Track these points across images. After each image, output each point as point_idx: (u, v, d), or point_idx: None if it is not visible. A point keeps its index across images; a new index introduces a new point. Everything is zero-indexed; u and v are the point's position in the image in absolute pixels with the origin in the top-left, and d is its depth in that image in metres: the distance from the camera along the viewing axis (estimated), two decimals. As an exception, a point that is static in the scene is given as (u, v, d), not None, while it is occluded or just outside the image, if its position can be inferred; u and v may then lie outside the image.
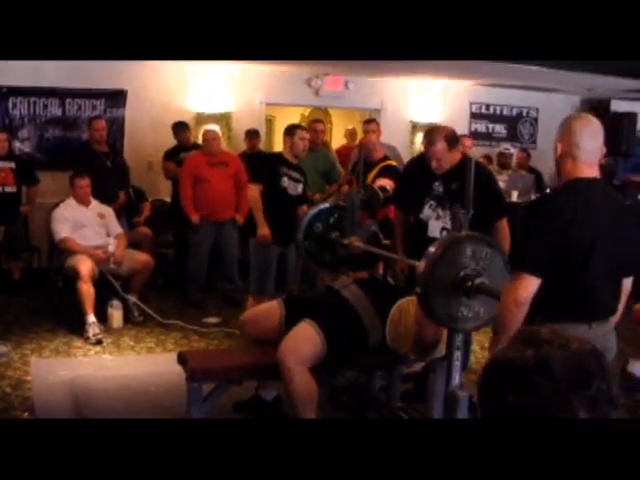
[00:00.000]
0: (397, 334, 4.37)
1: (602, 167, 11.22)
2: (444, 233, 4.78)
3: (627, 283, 3.39)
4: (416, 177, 5.21)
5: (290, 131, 6.46)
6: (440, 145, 4.87)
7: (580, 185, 3.14)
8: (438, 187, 4.98)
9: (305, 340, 4.27)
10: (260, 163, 7.04)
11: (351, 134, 11.46)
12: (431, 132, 5.04)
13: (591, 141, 3.14)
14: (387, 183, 5.68)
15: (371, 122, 7.67)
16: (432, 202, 5.01)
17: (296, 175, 6.45)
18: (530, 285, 3.06)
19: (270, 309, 4.74)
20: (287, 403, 4.42)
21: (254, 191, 6.41)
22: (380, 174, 6.22)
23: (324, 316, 4.38)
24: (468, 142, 8.75)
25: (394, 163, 6.62)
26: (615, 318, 3.43)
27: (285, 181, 6.37)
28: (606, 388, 1.32)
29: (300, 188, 6.47)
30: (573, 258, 3.08)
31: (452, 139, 4.93)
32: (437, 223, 4.98)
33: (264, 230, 6.32)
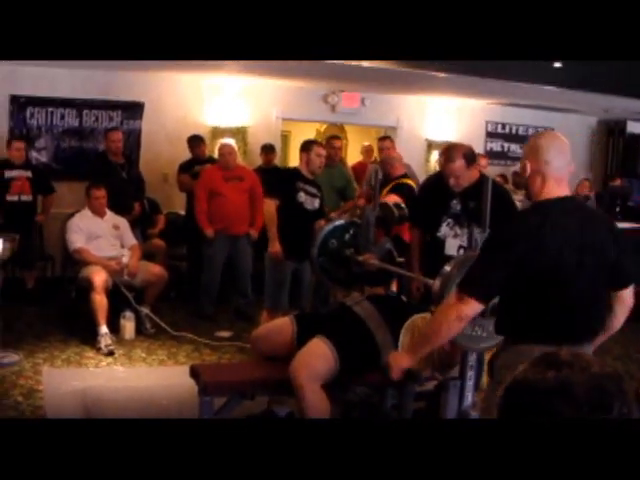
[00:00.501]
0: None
1: (616, 189, 11.21)
2: (461, 251, 4.76)
3: (626, 295, 3.29)
4: (433, 195, 5.21)
5: (306, 147, 6.46)
6: (459, 162, 4.86)
7: (546, 207, 3.09)
8: (456, 205, 4.97)
9: (317, 357, 4.25)
10: (276, 178, 7.05)
11: (367, 151, 11.47)
12: (449, 149, 5.03)
13: (559, 157, 3.10)
14: (396, 201, 5.67)
15: (385, 139, 7.71)
16: (450, 220, 5.00)
17: (313, 190, 6.44)
18: (475, 307, 3.06)
19: (282, 325, 4.73)
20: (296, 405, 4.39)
21: (270, 206, 6.41)
22: (392, 190, 6.22)
23: (336, 332, 4.37)
24: (483, 161, 8.75)
25: (410, 182, 6.62)
26: (606, 336, 3.33)
27: (302, 196, 6.36)
28: (627, 412, 1.31)
29: (317, 203, 6.46)
30: (539, 281, 3.02)
31: (470, 157, 4.93)
32: (454, 241, 4.96)
33: (276, 247, 6.32)
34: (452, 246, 4.96)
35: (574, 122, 11.81)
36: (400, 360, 3.54)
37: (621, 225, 9.45)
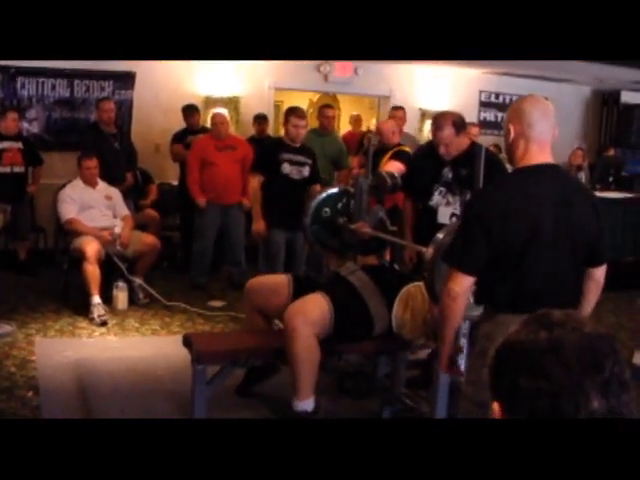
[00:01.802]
0: (403, 320, 4.36)
1: (610, 159, 11.23)
2: (454, 219, 4.77)
3: (598, 275, 3.23)
4: (425, 164, 5.21)
5: (285, 117, 6.49)
6: (448, 130, 4.86)
7: (520, 175, 3.07)
8: (447, 173, 4.97)
9: (314, 303, 4.27)
10: (260, 152, 7.00)
11: (356, 120, 11.43)
12: (438, 117, 5.02)
13: (542, 119, 3.05)
14: (398, 167, 5.66)
15: (399, 109, 7.75)
16: (442, 188, 5.00)
17: (300, 158, 6.43)
18: (462, 281, 3.03)
19: (279, 283, 4.71)
20: (289, 367, 4.34)
21: (253, 182, 6.46)
22: (393, 157, 6.22)
23: (333, 295, 4.37)
24: (474, 130, 8.71)
25: (408, 149, 6.62)
26: (584, 313, 3.18)
27: (286, 167, 6.36)
28: (619, 371, 1.31)
29: (306, 171, 6.45)
30: (511, 249, 2.99)
31: (459, 124, 4.91)
32: (447, 209, 4.96)
33: (259, 225, 6.40)
34: (444, 214, 4.96)
35: (568, 92, 11.77)
36: (439, 357, 3.36)
37: (615, 195, 9.49)
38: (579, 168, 10.53)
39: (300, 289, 4.56)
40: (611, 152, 11.78)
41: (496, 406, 1.38)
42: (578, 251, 3.09)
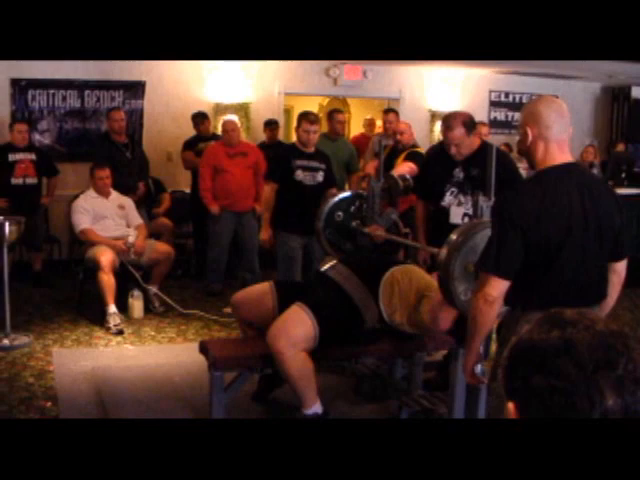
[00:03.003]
0: (392, 306, 4.34)
1: (621, 154, 11.09)
2: (466, 219, 4.76)
3: (620, 268, 3.27)
4: (436, 165, 5.20)
5: (297, 122, 6.49)
6: (458, 130, 4.85)
7: (550, 175, 3.06)
8: (458, 173, 4.96)
9: (294, 322, 4.23)
10: (274, 160, 6.99)
11: (370, 124, 11.42)
12: (449, 118, 5.01)
13: (558, 119, 3.06)
14: (410, 167, 5.67)
15: (389, 113, 7.75)
16: (453, 189, 4.99)
17: (313, 164, 6.42)
18: (498, 285, 3.02)
19: (261, 292, 4.69)
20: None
21: (267, 192, 6.49)
22: (407, 158, 6.24)
23: (313, 299, 4.36)
24: (484, 129, 8.68)
25: (422, 150, 6.63)
26: (607, 308, 3.26)
27: (299, 174, 6.36)
28: (632, 369, 1.31)
29: (320, 176, 6.43)
30: (546, 249, 3.01)
31: (470, 124, 4.90)
32: (459, 210, 4.95)
33: (266, 234, 6.44)
34: (456, 214, 4.95)
35: (578, 89, 11.73)
36: (465, 364, 3.38)
37: (627, 191, 9.44)
38: (591, 165, 10.47)
39: (284, 294, 4.57)
40: (621, 147, 11.71)
41: (511, 406, 1.39)
42: (605, 245, 3.14)
